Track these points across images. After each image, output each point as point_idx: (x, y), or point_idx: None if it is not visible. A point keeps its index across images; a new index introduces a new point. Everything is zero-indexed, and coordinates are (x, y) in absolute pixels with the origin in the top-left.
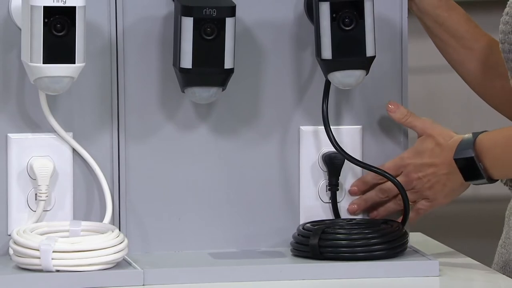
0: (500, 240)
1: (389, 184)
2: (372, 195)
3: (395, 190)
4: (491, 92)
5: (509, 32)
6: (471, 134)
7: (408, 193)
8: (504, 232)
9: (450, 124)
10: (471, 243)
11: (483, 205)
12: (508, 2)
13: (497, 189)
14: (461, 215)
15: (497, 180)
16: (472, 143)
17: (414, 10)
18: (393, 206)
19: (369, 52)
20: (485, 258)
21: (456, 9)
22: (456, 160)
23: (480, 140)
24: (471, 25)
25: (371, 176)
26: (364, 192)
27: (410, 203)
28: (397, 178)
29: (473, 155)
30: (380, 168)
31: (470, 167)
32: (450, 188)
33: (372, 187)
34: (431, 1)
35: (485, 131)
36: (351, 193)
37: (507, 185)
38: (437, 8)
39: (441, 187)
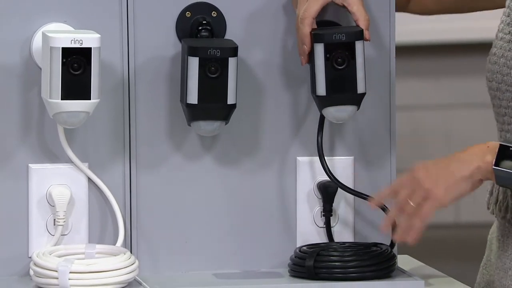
0: (482, 262)
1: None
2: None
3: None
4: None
5: (497, 72)
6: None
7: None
8: (485, 255)
9: (432, 156)
10: (453, 265)
11: (464, 231)
12: (494, 43)
13: (477, 216)
14: (444, 240)
15: None
16: None
17: None
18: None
19: (360, 89)
20: (466, 278)
21: None
22: (496, 169)
23: None
24: None
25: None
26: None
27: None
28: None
29: None
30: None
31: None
32: (451, 174)
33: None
34: None
35: None
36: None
37: (493, 213)
38: None
39: (442, 174)
